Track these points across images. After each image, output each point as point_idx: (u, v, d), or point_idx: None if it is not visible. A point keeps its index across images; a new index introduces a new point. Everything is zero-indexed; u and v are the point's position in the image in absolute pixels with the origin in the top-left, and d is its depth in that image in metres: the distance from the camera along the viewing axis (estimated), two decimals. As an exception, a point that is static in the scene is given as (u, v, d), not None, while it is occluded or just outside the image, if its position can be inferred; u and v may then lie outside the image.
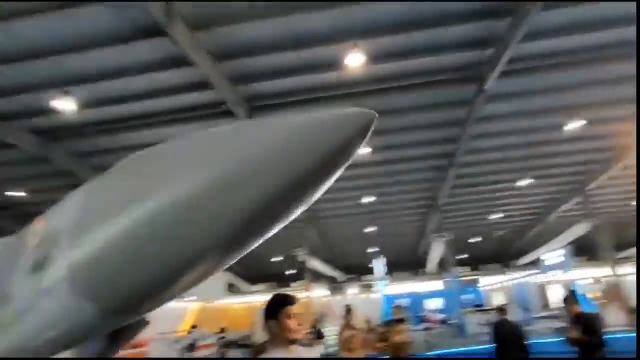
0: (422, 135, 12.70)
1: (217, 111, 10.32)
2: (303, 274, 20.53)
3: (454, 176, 15.20)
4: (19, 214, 15.82)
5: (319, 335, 12.89)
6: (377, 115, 1.25)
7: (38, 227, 1.48)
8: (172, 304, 17.15)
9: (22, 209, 15.73)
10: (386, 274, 19.20)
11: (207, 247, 1.12)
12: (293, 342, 1.92)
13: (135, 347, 13.06)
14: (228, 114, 10.30)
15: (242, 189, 1.01)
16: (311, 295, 19.44)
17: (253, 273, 29.77)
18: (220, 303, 22.38)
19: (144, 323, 2.17)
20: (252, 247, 1.34)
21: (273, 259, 27.72)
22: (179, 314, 17.17)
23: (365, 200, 17.32)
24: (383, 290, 17.29)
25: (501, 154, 14.16)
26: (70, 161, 12.23)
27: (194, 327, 13.77)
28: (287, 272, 28.94)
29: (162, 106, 10.11)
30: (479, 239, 27.23)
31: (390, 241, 25.37)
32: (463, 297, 20.08)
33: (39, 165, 12.43)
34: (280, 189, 1.04)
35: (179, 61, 8.28)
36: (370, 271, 21.69)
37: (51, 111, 9.43)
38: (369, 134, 1.25)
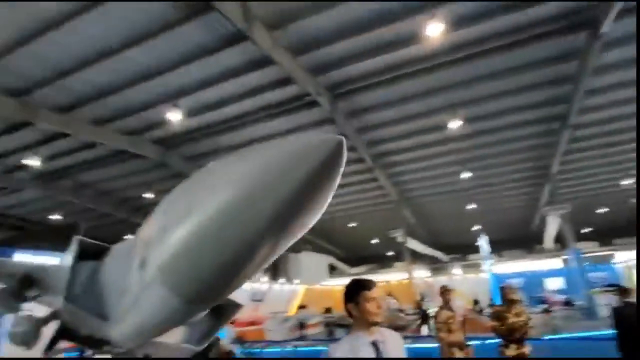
0: (523, 99, 11.37)
1: (302, 103, 10.72)
2: (403, 255, 20.34)
3: (568, 140, 13.32)
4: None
5: (424, 317, 12.77)
6: (343, 139, 1.26)
7: (142, 228, 1.82)
8: (283, 287, 18.65)
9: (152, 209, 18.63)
10: (494, 252, 17.89)
11: (247, 244, 1.27)
12: (374, 324, 1.99)
13: (254, 324, 14.67)
14: (313, 104, 10.64)
15: (255, 205, 1.14)
16: (413, 277, 19.19)
17: (353, 256, 30.47)
18: (323, 285, 23.52)
19: (238, 307, 2.50)
20: (281, 246, 1.44)
21: (372, 241, 28.00)
22: (288, 296, 18.58)
23: (464, 176, 16.26)
24: (490, 269, 16.16)
25: (629, 108, 11.90)
26: (184, 164, 14.04)
27: (302, 307, 14.81)
28: (387, 254, 28.98)
29: (253, 106, 10.87)
30: (606, 209, 23.51)
31: (497, 217, 23.48)
32: (593, 275, 17.72)
33: (161, 170, 14.55)
34: (274, 207, 1.14)
35: (261, 62, 8.81)
36: (476, 250, 20.47)
37: (165, 123, 10.93)
38: (342, 159, 1.25)
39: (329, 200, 1.34)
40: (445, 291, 5.33)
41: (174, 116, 10.25)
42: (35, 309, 2.55)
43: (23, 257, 12.74)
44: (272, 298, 17.04)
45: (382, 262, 28.75)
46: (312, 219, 1.36)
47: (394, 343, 2.04)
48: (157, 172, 14.84)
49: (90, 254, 2.26)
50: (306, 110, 11.14)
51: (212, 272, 1.44)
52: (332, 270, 25.68)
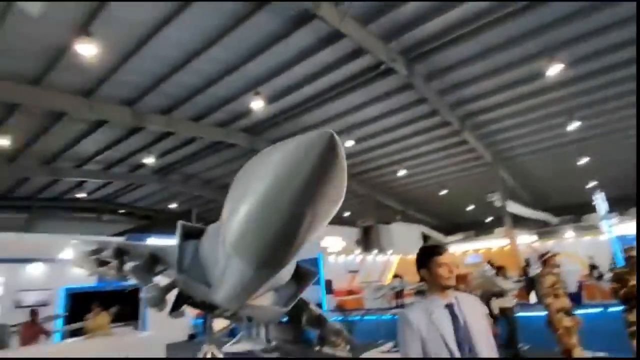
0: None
1: (377, 73, 10.49)
2: (503, 220, 18.93)
3: None
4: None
5: (530, 284, 11.85)
6: (333, 132, 1.37)
7: (222, 210, 2.12)
8: (376, 258, 18.99)
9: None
10: (615, 211, 15.58)
11: (286, 219, 1.52)
12: (446, 288, 2.03)
13: (351, 293, 15.30)
14: (388, 72, 10.35)
15: (283, 189, 1.50)
16: (516, 242, 17.83)
17: (448, 224, 29.36)
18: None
19: (314, 273, 2.76)
20: (316, 221, 1.67)
21: (468, 208, 26.57)
22: (382, 266, 18.85)
23: (572, 126, 14.23)
24: (611, 230, 14.14)
25: None
26: (272, 148, 14.94)
27: (397, 276, 14.92)
28: (485, 220, 27.25)
29: (329, 83, 10.97)
30: None
31: (617, 171, 20.25)
32: None
33: (251, 156, 15.66)
34: (294, 191, 1.48)
35: (331, 37, 8.81)
36: (592, 209, 18.03)
37: (250, 111, 11.69)
38: (337, 150, 1.39)
39: (342, 182, 1.55)
40: (547, 256, 4.92)
41: (257, 104, 10.89)
42: (162, 280, 3.23)
43: (153, 241, 15.08)
44: (367, 269, 17.50)
45: (480, 228, 27.14)
46: (332, 197, 1.57)
47: (471, 306, 2.05)
48: (249, 158, 16.02)
49: (193, 235, 2.74)
50: (382, 79, 10.88)
51: (267, 242, 1.76)
52: (426, 239, 25.16)
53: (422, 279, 2.12)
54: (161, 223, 20.25)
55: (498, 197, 18.08)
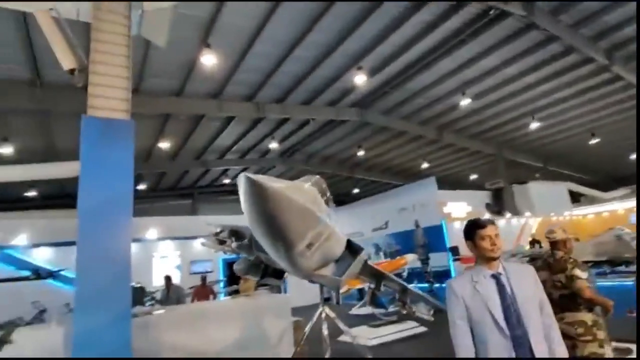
0: None
1: (488, 20, 9.40)
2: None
3: None
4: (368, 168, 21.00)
5: None
6: (251, 178, 1.87)
7: None
8: (510, 222, 17.41)
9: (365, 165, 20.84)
10: None
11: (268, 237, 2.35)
12: (491, 259, 2.11)
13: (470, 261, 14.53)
14: (501, 16, 9.20)
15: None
16: None
17: (604, 178, 24.75)
18: (565, 216, 20.34)
19: (362, 249, 3.04)
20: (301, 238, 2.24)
21: (631, 157, 21.79)
22: (516, 231, 17.24)
23: None
24: None
25: None
26: (383, 118, 14.91)
27: (534, 242, 13.52)
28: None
29: (434, 41, 10.29)
30: None
31: None
32: None
33: (364, 129, 15.98)
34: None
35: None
36: None
37: (355, 86, 11.89)
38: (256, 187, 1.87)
39: (285, 199, 2.00)
40: None
41: (360, 79, 11.00)
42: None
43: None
44: (507, 232, 16.23)
45: (653, 180, 22.00)
46: (295, 224, 2.15)
47: (521, 276, 2.09)
48: (362, 131, 16.37)
49: None
50: (495, 25, 9.68)
51: (266, 246, 2.50)
52: (576, 198, 21.72)
53: (471, 250, 2.23)
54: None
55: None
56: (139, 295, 6.82)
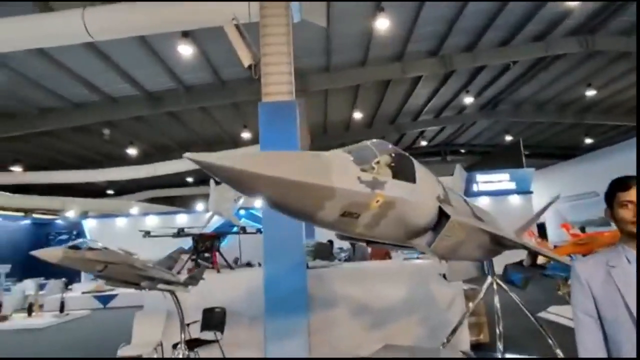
0: None
1: None
2: None
3: None
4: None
5: None
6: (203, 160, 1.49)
7: None
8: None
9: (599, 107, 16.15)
10: None
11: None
12: (631, 235, 1.44)
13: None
14: None
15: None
16: None
17: None
18: None
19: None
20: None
21: None
22: None
23: None
24: None
25: None
26: (621, 41, 11.15)
27: None
28: None
29: None
30: None
31: None
32: None
33: (591, 61, 12.36)
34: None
35: None
36: None
37: (566, 9, 9.28)
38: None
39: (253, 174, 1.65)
40: None
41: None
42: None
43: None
44: None
45: None
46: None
47: None
48: (590, 64, 12.79)
49: None
50: None
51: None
52: None
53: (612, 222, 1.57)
54: (494, 158, 20.13)
55: None
56: (328, 249, 7.76)
